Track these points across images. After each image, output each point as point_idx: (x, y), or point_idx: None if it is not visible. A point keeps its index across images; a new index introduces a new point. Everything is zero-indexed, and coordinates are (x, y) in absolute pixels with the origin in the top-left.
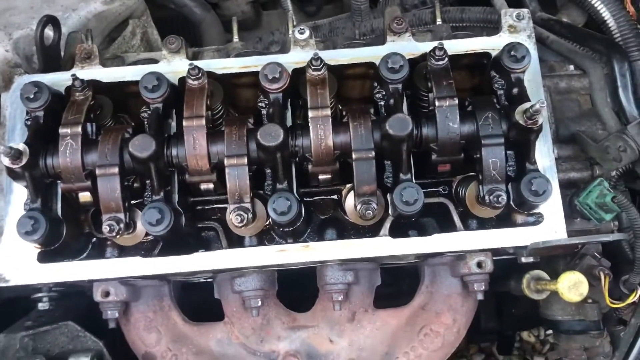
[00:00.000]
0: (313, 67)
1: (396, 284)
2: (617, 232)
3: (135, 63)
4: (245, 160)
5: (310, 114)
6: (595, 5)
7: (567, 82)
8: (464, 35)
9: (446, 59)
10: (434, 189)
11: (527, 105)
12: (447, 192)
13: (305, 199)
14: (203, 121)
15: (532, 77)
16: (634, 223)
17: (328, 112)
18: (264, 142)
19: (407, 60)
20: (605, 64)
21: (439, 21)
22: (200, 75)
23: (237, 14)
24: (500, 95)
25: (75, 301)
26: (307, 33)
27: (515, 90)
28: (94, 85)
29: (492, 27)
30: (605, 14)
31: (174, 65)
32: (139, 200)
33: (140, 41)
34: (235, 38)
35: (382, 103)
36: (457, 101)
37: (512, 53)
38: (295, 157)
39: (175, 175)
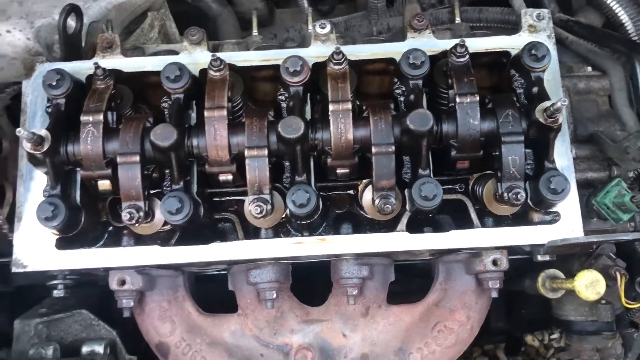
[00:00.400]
0: (334, 61)
1: (405, 283)
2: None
3: (155, 54)
4: (266, 151)
5: (331, 107)
6: (613, 7)
7: (585, 82)
8: (482, 35)
9: (467, 55)
10: (450, 186)
11: (547, 103)
12: (463, 189)
13: (321, 193)
14: (224, 112)
15: (551, 76)
16: None
17: (349, 105)
18: (285, 134)
19: (428, 57)
20: (624, 64)
21: (458, 20)
22: (222, 66)
23: (251, 11)
24: (519, 93)
25: (88, 290)
26: (328, 28)
27: (535, 89)
28: (115, 75)
29: (510, 28)
30: (623, 17)
31: (195, 57)
32: (157, 190)
33: (158, 34)
34: (255, 32)
35: (402, 99)
36: (477, 98)
37: (533, 52)
38: (314, 150)
39: (194, 166)
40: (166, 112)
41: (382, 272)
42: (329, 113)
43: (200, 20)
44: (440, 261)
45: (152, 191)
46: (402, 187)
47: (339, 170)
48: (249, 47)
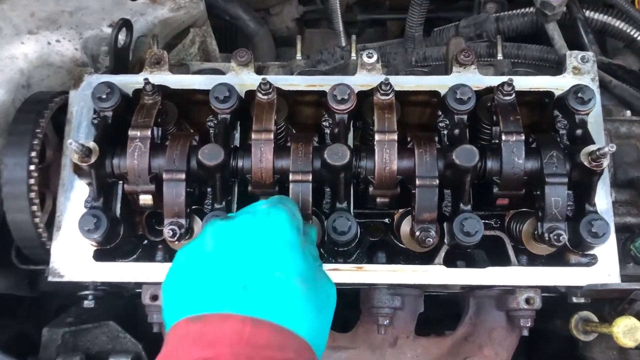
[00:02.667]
0: (382, 92)
1: (426, 312)
2: None
3: (199, 72)
4: (310, 177)
5: (377, 137)
6: None
7: (627, 127)
8: (524, 72)
9: (514, 94)
10: (486, 221)
11: (593, 147)
12: (498, 225)
13: (357, 219)
14: (271, 135)
15: (594, 119)
16: None
17: (395, 136)
18: (331, 161)
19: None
20: None
21: (500, 56)
22: (270, 90)
23: (282, 30)
24: (562, 134)
25: (114, 302)
26: (374, 57)
27: (578, 132)
28: (162, 91)
29: (548, 66)
30: None
31: (242, 78)
32: (195, 207)
33: (197, 50)
34: (299, 56)
35: (445, 132)
36: (523, 137)
37: (579, 95)
38: (356, 178)
39: (235, 186)
40: (212, 132)
41: (412, 303)
42: (375, 143)
43: (234, 35)
44: (471, 295)
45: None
46: (440, 220)
47: (379, 199)
48: (292, 70)
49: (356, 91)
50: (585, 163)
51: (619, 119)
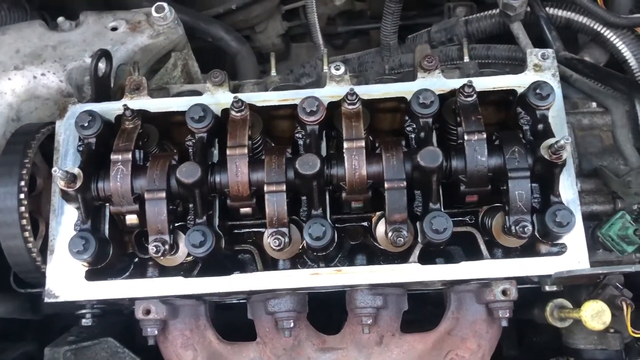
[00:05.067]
0: (348, 101)
1: (418, 311)
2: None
3: (179, 94)
4: (284, 187)
5: (346, 145)
6: (617, 45)
7: (589, 119)
8: (490, 73)
9: (475, 95)
10: (460, 219)
11: (552, 140)
12: (473, 221)
13: (336, 225)
14: (245, 150)
15: (556, 113)
16: None
17: (362, 143)
18: (302, 170)
19: (437, 96)
20: (626, 102)
21: (466, 59)
22: (243, 107)
23: (268, 46)
24: (525, 130)
25: (113, 319)
26: (342, 69)
27: (540, 126)
28: (142, 115)
29: (516, 64)
30: (626, 54)
31: (217, 97)
32: (181, 223)
33: (180, 72)
34: (273, 72)
35: (413, 136)
36: (485, 135)
37: (538, 91)
38: (330, 185)
39: (216, 200)
40: (190, 150)
41: (396, 301)
42: (344, 150)
43: (218, 56)
44: (451, 291)
45: (176, 224)
46: (413, 220)
47: (353, 204)
48: (267, 86)
49: (326, 102)
50: (546, 156)
51: (582, 112)
